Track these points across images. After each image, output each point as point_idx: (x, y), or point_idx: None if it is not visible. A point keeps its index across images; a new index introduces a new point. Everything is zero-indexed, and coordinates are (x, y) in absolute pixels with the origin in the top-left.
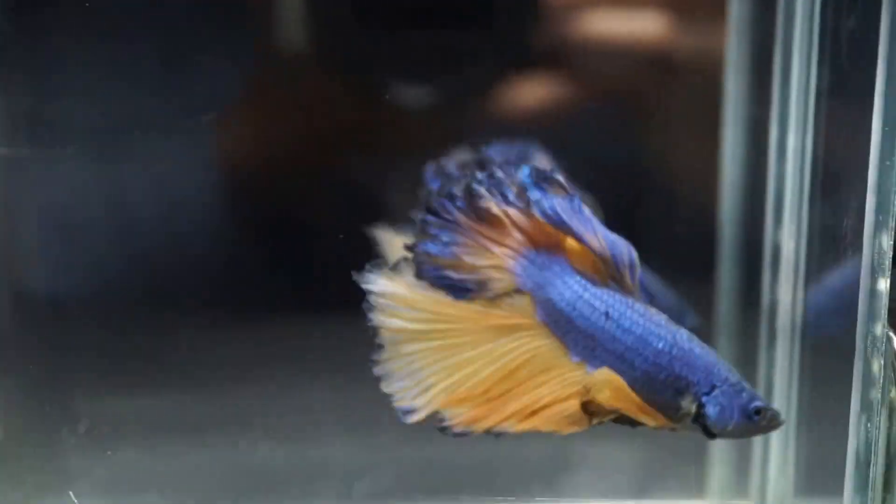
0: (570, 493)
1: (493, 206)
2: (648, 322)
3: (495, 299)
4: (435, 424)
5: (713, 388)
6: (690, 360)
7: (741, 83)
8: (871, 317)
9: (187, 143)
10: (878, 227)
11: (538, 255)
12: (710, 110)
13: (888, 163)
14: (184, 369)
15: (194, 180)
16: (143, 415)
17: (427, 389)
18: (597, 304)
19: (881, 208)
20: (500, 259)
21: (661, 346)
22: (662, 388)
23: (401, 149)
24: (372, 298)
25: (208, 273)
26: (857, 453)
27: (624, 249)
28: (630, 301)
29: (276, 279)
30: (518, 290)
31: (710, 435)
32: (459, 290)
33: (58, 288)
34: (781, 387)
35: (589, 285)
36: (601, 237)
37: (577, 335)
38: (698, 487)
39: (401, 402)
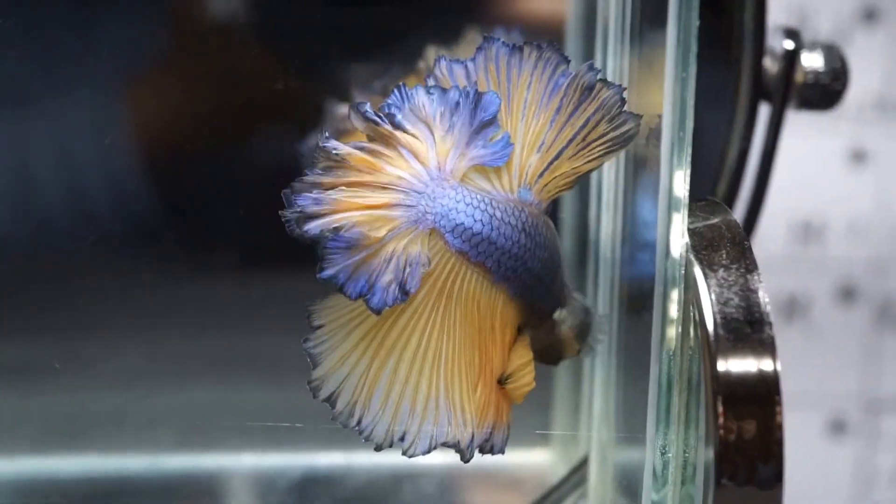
0: None
1: (352, 150)
2: (550, 233)
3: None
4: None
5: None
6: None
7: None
8: (668, 248)
9: (95, 111)
10: (673, 159)
11: (429, 179)
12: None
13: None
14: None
15: (101, 148)
16: None
17: (464, 417)
18: (512, 220)
19: (676, 142)
20: (382, 212)
21: (560, 259)
22: (553, 301)
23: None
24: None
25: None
26: (659, 387)
27: None
28: (527, 211)
29: (160, 237)
30: (408, 232)
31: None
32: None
33: None
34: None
35: (495, 200)
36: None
37: (500, 256)
38: (542, 438)
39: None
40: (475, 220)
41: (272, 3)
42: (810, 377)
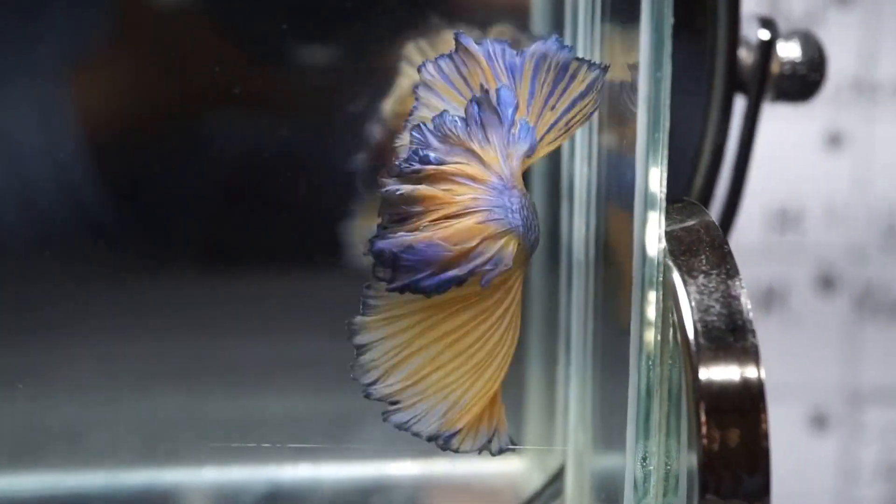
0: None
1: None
2: None
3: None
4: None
5: None
6: None
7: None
8: (645, 249)
9: (38, 98)
10: (648, 159)
11: (502, 186)
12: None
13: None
14: None
15: (46, 138)
16: None
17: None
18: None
19: (651, 143)
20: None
21: None
22: None
23: (278, 108)
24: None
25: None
26: (638, 395)
27: None
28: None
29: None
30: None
31: None
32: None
33: None
34: (578, 329)
35: (532, 208)
36: None
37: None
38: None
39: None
40: (538, 231)
41: None
42: (790, 369)
